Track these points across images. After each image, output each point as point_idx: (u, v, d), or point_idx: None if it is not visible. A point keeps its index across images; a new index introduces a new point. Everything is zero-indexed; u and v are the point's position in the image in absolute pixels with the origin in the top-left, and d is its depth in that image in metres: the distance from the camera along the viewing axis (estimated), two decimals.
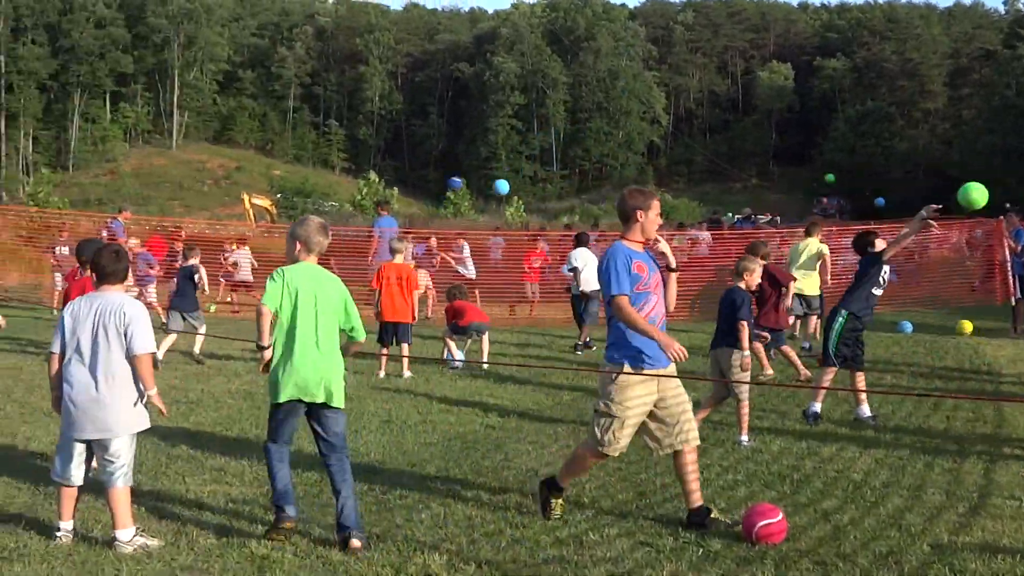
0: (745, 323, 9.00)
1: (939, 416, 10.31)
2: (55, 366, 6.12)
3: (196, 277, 14.81)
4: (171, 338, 14.20)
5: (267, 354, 6.30)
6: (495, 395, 11.67)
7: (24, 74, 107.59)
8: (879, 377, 12.96)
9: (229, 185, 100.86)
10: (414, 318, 14.04)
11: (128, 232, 22.15)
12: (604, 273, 6.53)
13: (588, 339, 16.31)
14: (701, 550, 5.99)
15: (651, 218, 6.67)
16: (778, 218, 62.26)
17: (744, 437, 9.01)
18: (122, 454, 6.04)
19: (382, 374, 13.19)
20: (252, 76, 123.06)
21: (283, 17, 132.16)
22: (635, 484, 7.60)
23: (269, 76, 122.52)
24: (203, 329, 14.88)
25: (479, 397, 11.49)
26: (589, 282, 15.86)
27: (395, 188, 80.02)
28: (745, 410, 9.05)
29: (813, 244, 15.81)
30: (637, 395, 6.46)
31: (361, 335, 6.55)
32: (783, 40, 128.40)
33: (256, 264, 23.62)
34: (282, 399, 6.19)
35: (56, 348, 6.12)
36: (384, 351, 13.48)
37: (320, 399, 6.18)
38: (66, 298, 8.06)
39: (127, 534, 5.97)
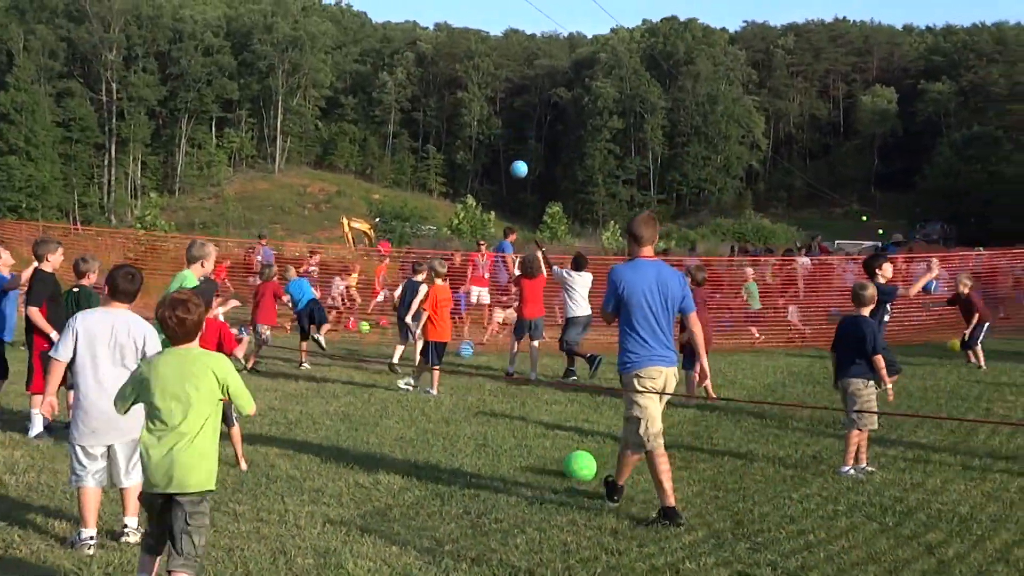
0: (880, 356, 8.96)
1: None
2: (60, 372, 6.53)
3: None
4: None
5: None
6: (591, 420, 11.60)
7: (134, 100, 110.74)
8: (986, 408, 12.61)
9: (329, 209, 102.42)
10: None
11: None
12: (686, 289, 7.60)
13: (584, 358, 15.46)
14: None
15: None
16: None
17: (846, 467, 8.83)
18: (134, 455, 6.34)
19: (434, 391, 13.37)
20: (353, 102, 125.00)
21: (385, 44, 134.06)
22: (732, 513, 7.48)
23: (370, 102, 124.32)
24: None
25: (575, 422, 11.43)
26: (581, 306, 15.29)
27: (492, 212, 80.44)
28: (855, 440, 8.88)
29: None
30: (647, 389, 7.41)
31: None
32: (886, 63, 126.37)
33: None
34: None
35: (64, 356, 6.44)
36: (435, 370, 13.67)
37: None
38: None
39: (135, 521, 6.52)
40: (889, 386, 9.27)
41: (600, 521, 7.17)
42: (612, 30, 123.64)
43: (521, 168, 16.54)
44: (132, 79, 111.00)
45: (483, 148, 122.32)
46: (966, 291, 17.02)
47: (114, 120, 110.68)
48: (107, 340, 6.38)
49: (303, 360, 16.01)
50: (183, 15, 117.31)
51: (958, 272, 20.09)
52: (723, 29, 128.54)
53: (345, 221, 53.57)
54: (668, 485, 7.28)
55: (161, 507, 5.20)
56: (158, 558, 5.32)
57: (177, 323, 5.26)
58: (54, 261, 10.44)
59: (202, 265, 9.49)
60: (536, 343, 15.54)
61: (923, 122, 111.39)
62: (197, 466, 5.14)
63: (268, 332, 16.13)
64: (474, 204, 78.34)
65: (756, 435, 10.75)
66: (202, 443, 5.19)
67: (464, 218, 73.44)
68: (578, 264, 15.86)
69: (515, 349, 15.61)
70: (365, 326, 22.81)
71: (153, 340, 6.39)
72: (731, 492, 8.05)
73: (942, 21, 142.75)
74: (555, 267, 16.34)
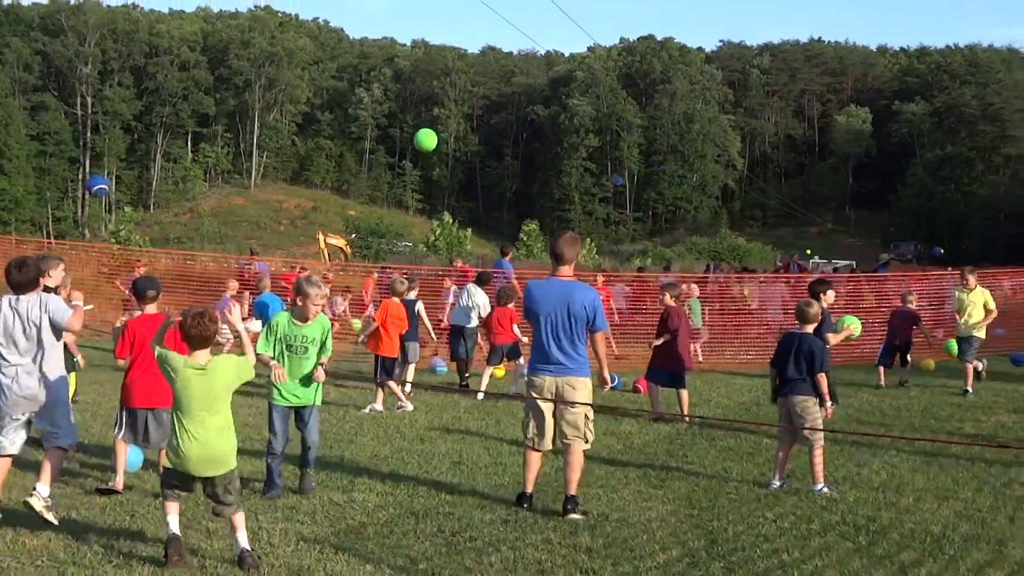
0: (824, 375, 9.00)
1: (1019, 467, 10.04)
2: None
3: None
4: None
5: None
6: None
7: (110, 115, 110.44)
8: (958, 427, 12.69)
9: (305, 225, 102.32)
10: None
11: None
12: (597, 309, 8.10)
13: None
14: None
15: None
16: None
17: (820, 485, 8.86)
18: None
19: (379, 406, 13.49)
20: (330, 118, 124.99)
21: (362, 60, 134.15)
22: (707, 531, 7.49)
23: (347, 117, 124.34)
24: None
25: None
26: (473, 320, 16.31)
27: (469, 229, 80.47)
28: (820, 456, 8.91)
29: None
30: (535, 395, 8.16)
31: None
32: (861, 84, 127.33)
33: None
34: None
35: None
36: (391, 383, 13.84)
37: None
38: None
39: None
40: (829, 405, 9.26)
41: (575, 540, 7.16)
42: (589, 48, 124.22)
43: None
44: (108, 93, 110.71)
45: (460, 165, 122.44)
46: (913, 306, 17.37)
47: (89, 134, 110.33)
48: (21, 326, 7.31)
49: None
50: (160, 30, 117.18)
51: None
52: (699, 48, 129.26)
53: (321, 237, 53.58)
54: (529, 477, 8.20)
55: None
56: None
57: None
58: (56, 277, 10.29)
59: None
60: (520, 360, 15.49)
61: (897, 142, 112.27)
62: None
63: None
64: (451, 221, 78.38)
65: (730, 454, 10.77)
66: None
67: (440, 235, 73.48)
68: (481, 280, 17.09)
69: (488, 374, 15.53)
70: (357, 324, 22.42)
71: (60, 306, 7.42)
72: (705, 511, 8.06)
73: (916, 43, 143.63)
74: (460, 299, 17.16)
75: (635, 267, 49.07)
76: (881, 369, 17.10)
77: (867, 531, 7.58)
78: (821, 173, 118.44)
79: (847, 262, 61.72)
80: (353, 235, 75.67)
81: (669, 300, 13.70)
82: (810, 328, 9.29)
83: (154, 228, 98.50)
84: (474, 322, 16.39)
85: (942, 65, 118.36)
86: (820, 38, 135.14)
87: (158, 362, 6.51)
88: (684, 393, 13.23)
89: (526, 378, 8.56)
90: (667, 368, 13.16)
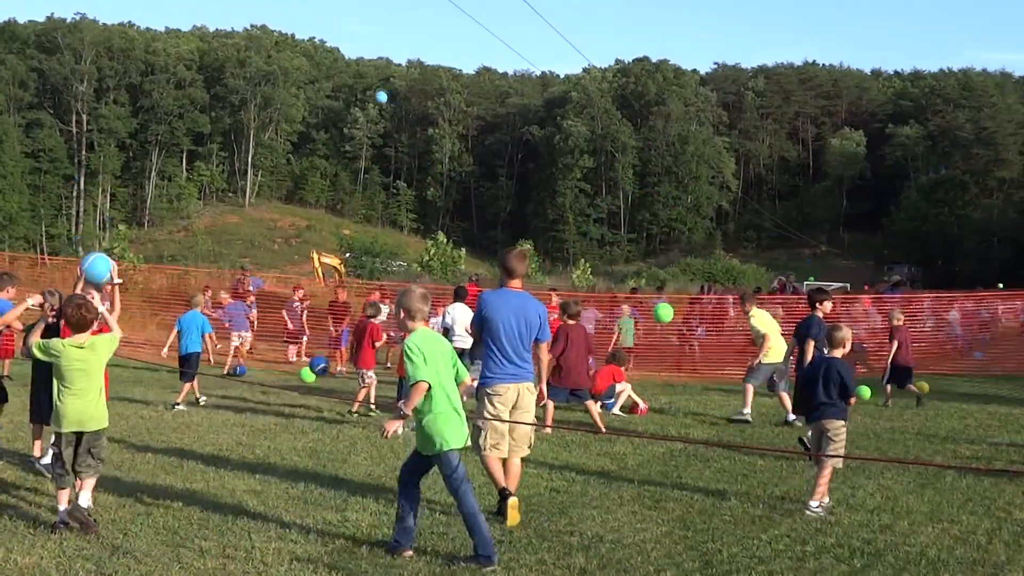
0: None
1: (1016, 491, 10.02)
2: None
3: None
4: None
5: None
6: (560, 458, 11.57)
7: (105, 132, 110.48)
8: (954, 450, 12.67)
9: (299, 244, 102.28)
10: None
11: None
12: (544, 320, 8.63)
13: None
14: None
15: None
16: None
17: (816, 503, 8.87)
18: None
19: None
20: (325, 137, 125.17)
21: (357, 79, 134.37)
22: (701, 553, 7.46)
23: (342, 137, 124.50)
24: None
25: (544, 460, 11.39)
26: (464, 339, 15.79)
27: (463, 249, 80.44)
28: (827, 474, 8.98)
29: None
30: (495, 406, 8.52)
31: (465, 375, 7.57)
32: (855, 107, 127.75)
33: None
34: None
35: None
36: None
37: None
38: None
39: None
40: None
41: (569, 561, 7.13)
42: (584, 70, 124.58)
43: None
44: (103, 111, 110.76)
45: (454, 185, 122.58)
46: (899, 323, 17.38)
47: (84, 151, 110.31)
48: None
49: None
50: (156, 48, 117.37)
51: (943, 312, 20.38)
52: (694, 71, 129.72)
53: (315, 256, 53.48)
54: (495, 478, 8.47)
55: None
56: None
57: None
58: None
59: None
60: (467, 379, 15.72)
61: (891, 165, 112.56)
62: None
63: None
64: (445, 241, 78.35)
65: (725, 474, 10.74)
66: None
67: (435, 255, 73.44)
68: (458, 296, 17.46)
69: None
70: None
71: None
72: (700, 532, 8.04)
73: (910, 66, 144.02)
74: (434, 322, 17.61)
75: (629, 288, 49.10)
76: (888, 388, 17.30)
77: (862, 553, 7.56)
78: (815, 195, 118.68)
79: (841, 285, 61.87)
80: (347, 254, 75.50)
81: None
82: (839, 353, 9.37)
83: (148, 246, 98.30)
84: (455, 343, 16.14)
85: (936, 89, 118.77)
86: (814, 61, 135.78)
87: (39, 352, 7.73)
88: (589, 404, 13.56)
89: (484, 390, 8.56)
90: (564, 385, 13.27)
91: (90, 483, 7.72)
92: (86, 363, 7.62)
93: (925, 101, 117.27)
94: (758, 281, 70.23)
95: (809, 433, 12.71)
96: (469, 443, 7.51)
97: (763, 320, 15.33)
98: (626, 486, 10.06)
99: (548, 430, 12.94)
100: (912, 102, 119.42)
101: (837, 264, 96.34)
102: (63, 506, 7.55)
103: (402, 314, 7.33)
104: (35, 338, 8.02)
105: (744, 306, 15.79)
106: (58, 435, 7.69)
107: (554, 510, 8.87)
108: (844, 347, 9.47)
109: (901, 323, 17.75)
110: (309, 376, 16.56)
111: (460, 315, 16.46)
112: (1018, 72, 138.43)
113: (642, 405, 16.05)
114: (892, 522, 8.63)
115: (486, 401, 8.46)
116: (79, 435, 7.64)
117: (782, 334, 15.09)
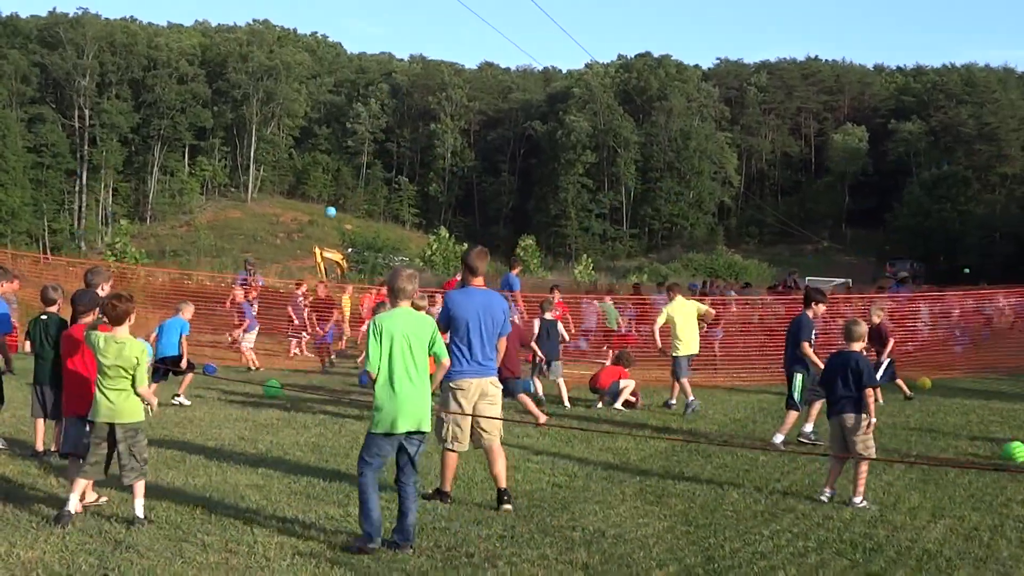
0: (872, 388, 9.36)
1: (1015, 487, 10.04)
2: None
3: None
4: None
5: None
6: (562, 453, 11.59)
7: (107, 127, 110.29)
8: (954, 445, 12.69)
9: (301, 239, 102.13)
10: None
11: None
12: (507, 315, 9.06)
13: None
14: None
15: None
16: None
17: (859, 499, 9.07)
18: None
19: None
20: (327, 132, 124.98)
21: (360, 74, 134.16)
22: (703, 548, 7.48)
23: (344, 132, 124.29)
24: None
25: (546, 455, 11.40)
26: None
27: (465, 244, 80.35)
28: (863, 474, 9.17)
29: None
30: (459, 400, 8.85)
31: (444, 356, 7.68)
32: (857, 103, 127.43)
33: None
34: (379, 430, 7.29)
35: None
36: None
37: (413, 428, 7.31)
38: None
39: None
40: (873, 420, 9.43)
41: (571, 556, 7.15)
42: (587, 65, 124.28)
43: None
44: (105, 106, 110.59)
45: (456, 180, 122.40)
46: (878, 320, 17.29)
47: (86, 146, 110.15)
48: None
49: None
50: (158, 43, 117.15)
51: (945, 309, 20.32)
52: (696, 66, 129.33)
53: (318, 251, 53.50)
54: (447, 476, 8.85)
55: None
56: None
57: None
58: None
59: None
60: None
61: (893, 161, 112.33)
62: None
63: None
64: (447, 236, 78.32)
65: (727, 470, 10.76)
66: None
67: (437, 250, 73.43)
68: None
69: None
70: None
71: None
72: (702, 527, 8.05)
73: (912, 62, 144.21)
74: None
75: (631, 283, 49.07)
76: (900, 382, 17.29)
77: (863, 548, 7.58)
78: (817, 191, 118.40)
79: (842, 280, 61.79)
80: (349, 249, 75.52)
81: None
82: (857, 347, 9.44)
83: (150, 241, 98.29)
84: None
85: (938, 84, 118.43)
86: (817, 56, 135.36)
87: (87, 342, 8.10)
88: (522, 397, 13.62)
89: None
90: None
91: (140, 489, 7.89)
92: (119, 359, 7.84)
93: (928, 97, 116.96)
94: (761, 277, 70.23)
95: (802, 429, 12.80)
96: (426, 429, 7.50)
97: (679, 310, 15.85)
98: (628, 481, 10.08)
99: (542, 419, 13.14)
100: (915, 98, 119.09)
101: (839, 260, 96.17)
102: (74, 496, 7.76)
103: (388, 293, 7.62)
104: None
105: (669, 294, 16.42)
106: (91, 424, 7.94)
107: (556, 505, 8.89)
108: (863, 341, 9.57)
109: (881, 320, 17.64)
110: (272, 389, 16.40)
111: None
112: (1021, 68, 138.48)
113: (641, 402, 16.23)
114: (892, 516, 8.65)
115: (450, 395, 8.72)
116: (111, 428, 7.86)
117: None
